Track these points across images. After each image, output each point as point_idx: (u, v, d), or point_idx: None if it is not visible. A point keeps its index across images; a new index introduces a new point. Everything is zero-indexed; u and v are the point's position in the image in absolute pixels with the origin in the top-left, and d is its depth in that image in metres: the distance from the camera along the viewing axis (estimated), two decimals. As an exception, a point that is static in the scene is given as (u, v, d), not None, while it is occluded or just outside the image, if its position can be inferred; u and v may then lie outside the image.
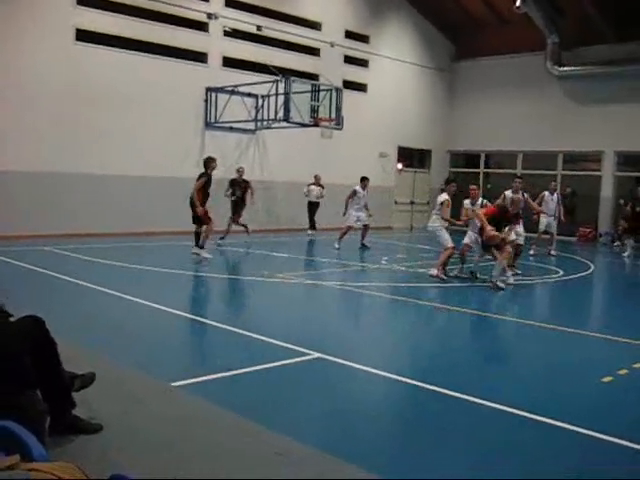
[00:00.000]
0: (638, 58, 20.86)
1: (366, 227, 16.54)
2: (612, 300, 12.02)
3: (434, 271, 11.66)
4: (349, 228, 16.28)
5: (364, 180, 16.57)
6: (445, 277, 11.73)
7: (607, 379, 5.94)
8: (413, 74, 24.92)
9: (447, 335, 8.13)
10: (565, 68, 22.66)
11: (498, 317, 8.72)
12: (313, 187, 19.30)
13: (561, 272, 13.66)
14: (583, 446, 4.49)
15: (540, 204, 16.78)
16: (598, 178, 22.77)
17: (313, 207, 19.47)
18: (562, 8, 22.38)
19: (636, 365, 6.43)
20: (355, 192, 16.39)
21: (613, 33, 21.66)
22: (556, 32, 22.31)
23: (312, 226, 19.28)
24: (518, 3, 20.91)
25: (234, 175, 16.70)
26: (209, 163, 13.08)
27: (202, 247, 12.87)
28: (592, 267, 15.13)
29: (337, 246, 15.85)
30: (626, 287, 13.61)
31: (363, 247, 16.26)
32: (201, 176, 12.94)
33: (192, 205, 12.80)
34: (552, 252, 17.13)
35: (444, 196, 12.14)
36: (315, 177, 19.44)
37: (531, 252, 16.55)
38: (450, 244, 11.91)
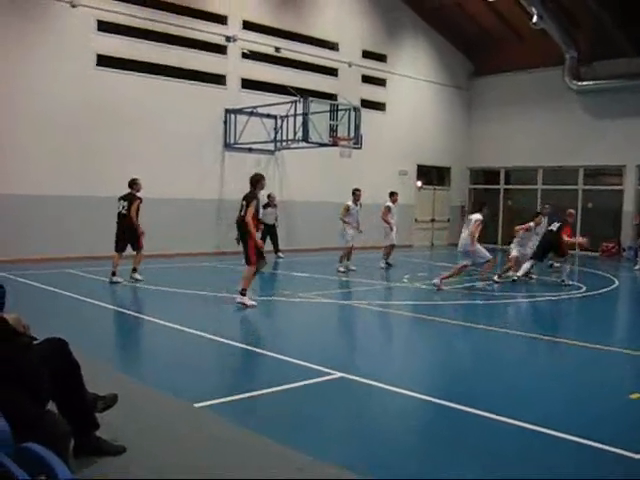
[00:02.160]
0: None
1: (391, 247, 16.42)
2: (637, 315, 11.85)
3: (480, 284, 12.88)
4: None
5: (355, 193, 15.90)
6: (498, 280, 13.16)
7: (635, 396, 5.83)
8: (431, 92, 24.96)
9: (469, 353, 8.04)
10: (584, 82, 22.59)
11: (522, 334, 8.61)
12: (269, 209, 18.02)
13: (584, 288, 13.51)
14: (610, 464, 4.40)
15: None
16: (620, 192, 22.57)
17: (271, 230, 18.23)
18: (579, 22, 22.37)
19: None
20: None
21: (631, 46, 21.57)
22: (573, 47, 22.27)
23: (277, 250, 18.50)
24: (535, 19, 20.90)
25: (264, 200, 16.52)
26: (260, 181, 10.49)
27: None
28: (616, 282, 14.95)
29: (383, 265, 16.22)
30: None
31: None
32: (250, 197, 10.29)
33: (243, 228, 10.21)
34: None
35: (477, 215, 12.75)
36: (269, 197, 18.25)
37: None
38: (489, 256, 12.77)
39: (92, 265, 14.40)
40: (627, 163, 22.28)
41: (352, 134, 17.80)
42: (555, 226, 13.91)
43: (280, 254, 18.48)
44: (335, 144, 17.98)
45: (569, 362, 7.54)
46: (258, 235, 10.48)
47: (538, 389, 6.24)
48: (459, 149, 26.09)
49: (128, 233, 12.52)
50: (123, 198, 12.70)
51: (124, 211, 12.56)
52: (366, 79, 22.81)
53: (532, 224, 14.36)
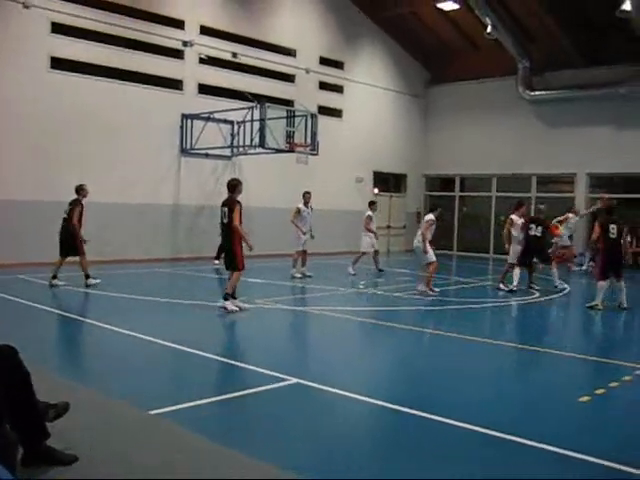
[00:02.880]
0: (605, 82, 21.31)
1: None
2: (587, 321, 12.09)
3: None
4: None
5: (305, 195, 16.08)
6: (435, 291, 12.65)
7: (585, 399, 5.96)
8: (388, 99, 25.18)
9: (424, 357, 8.11)
10: (536, 92, 23.04)
11: (476, 339, 8.73)
12: None
13: (537, 294, 13.75)
14: (560, 465, 4.50)
15: None
16: (571, 200, 23.04)
17: None
18: (531, 34, 22.83)
19: (613, 384, 6.47)
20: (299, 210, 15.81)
21: (580, 58, 22.12)
22: (526, 57, 22.71)
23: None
24: (489, 30, 21.27)
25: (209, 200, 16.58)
26: (237, 186, 10.42)
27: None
28: (567, 287, 15.25)
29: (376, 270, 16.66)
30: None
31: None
32: (232, 202, 10.29)
33: (231, 234, 10.31)
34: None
35: (429, 215, 13.02)
36: None
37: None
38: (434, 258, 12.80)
39: (44, 271, 14.15)
40: (578, 171, 22.78)
41: (309, 140, 17.85)
42: (539, 231, 14.04)
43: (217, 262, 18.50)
44: (292, 150, 18.01)
45: (520, 366, 7.67)
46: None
47: (490, 393, 6.33)
48: (415, 156, 26.35)
49: (70, 239, 12.51)
50: (69, 203, 12.71)
51: (66, 216, 12.61)
52: (323, 86, 22.89)
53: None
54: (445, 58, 25.58)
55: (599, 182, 23.13)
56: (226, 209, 10.26)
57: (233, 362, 6.98)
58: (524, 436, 4.87)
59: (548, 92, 22.90)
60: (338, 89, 23.45)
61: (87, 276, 12.55)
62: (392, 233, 25.46)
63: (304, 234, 15.54)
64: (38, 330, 8.66)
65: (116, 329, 8.55)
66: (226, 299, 10.11)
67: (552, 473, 4.39)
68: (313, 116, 18.12)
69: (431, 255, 12.74)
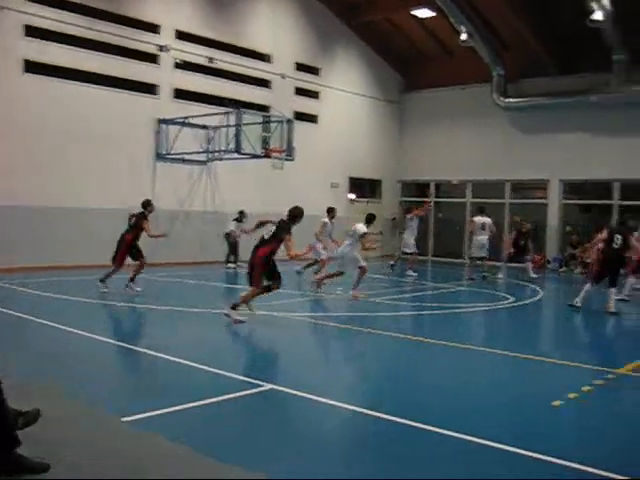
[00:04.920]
0: (577, 90, 21.60)
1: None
2: (561, 325, 12.22)
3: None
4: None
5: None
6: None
7: (557, 403, 6.01)
8: (363, 105, 25.27)
9: (395, 362, 8.13)
10: (510, 99, 23.25)
11: (448, 344, 8.77)
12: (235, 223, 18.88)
13: (512, 298, 13.87)
14: (533, 468, 4.53)
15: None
16: (544, 206, 23.29)
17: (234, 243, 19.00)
18: (506, 42, 23.07)
19: (585, 388, 6.53)
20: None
21: (554, 66, 22.40)
22: (501, 64, 22.92)
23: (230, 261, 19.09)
24: (463, 37, 21.45)
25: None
26: (298, 217, 10.32)
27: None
28: (541, 293, 15.40)
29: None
30: (575, 312, 13.85)
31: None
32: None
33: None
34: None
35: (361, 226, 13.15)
36: (241, 213, 19.07)
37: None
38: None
39: (16, 277, 14.00)
40: (551, 178, 23.04)
41: (284, 146, 17.84)
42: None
43: (231, 265, 18.71)
44: (267, 156, 17.99)
45: (495, 371, 7.72)
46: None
47: (463, 398, 6.36)
48: (391, 162, 26.46)
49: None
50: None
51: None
52: (299, 91, 22.93)
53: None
54: (420, 65, 25.76)
55: (572, 188, 23.41)
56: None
57: (207, 368, 6.94)
58: (497, 440, 4.90)
59: (522, 99, 23.13)
60: (314, 95, 23.50)
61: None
62: (368, 239, 25.49)
63: (324, 249, 15.76)
64: (10, 337, 8.56)
65: (86, 334, 8.47)
66: (233, 308, 9.90)
67: (524, 475, 4.42)
68: (289, 121, 18.13)
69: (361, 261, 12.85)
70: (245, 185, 20.33)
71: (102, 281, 12.57)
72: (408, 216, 18.92)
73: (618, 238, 11.95)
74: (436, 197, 26.41)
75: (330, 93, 23.86)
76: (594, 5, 18.61)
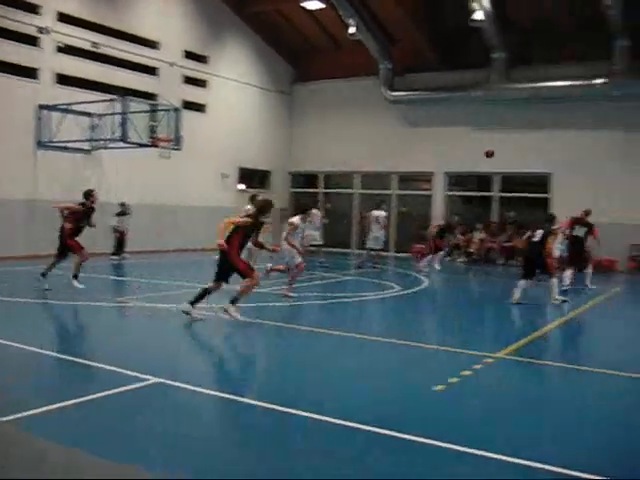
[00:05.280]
0: (462, 85, 22.40)
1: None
2: (444, 312, 12.67)
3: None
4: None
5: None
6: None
7: (439, 387, 6.24)
8: (254, 96, 25.19)
9: (282, 352, 8.20)
10: (397, 93, 23.79)
11: (332, 332, 8.93)
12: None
13: (397, 287, 14.25)
14: (417, 453, 4.69)
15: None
16: (429, 198, 24.04)
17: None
18: (393, 36, 23.56)
19: (465, 373, 6.82)
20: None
21: (440, 61, 23.12)
22: (388, 58, 23.41)
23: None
24: (352, 30, 21.73)
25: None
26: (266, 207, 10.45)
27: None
28: (426, 282, 15.90)
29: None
30: (457, 300, 14.41)
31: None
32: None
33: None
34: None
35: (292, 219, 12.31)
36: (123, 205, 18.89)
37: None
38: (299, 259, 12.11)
39: None
40: (435, 170, 23.81)
41: (172, 135, 17.56)
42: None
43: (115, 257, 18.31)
44: (155, 145, 17.67)
45: (378, 358, 7.90)
46: None
47: (345, 384, 6.51)
48: (280, 153, 26.53)
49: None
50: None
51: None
52: (188, 80, 22.58)
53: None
54: (310, 56, 25.94)
55: (456, 180, 24.29)
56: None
57: (89, 362, 6.77)
58: (383, 426, 5.03)
59: (408, 93, 23.71)
60: (202, 84, 23.20)
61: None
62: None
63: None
64: None
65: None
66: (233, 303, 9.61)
67: (409, 461, 4.57)
68: (177, 110, 17.86)
69: (297, 257, 12.44)
70: (132, 175, 19.83)
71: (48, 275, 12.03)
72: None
73: (539, 233, 12.15)
74: (325, 188, 26.73)
75: (219, 82, 23.63)
76: (475, 5, 19.33)
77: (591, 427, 5.49)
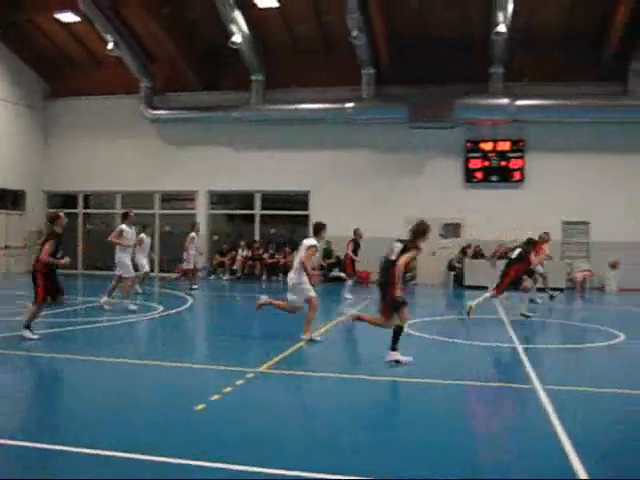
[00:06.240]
0: (222, 105, 22.86)
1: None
2: (206, 330, 12.74)
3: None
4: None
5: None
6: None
7: (201, 407, 6.27)
8: (2, 110, 23.53)
9: (38, 381, 7.80)
10: (158, 112, 23.65)
11: (81, 358, 8.61)
12: None
13: (161, 308, 14.08)
14: (185, 475, 4.70)
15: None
16: (193, 216, 24.08)
17: None
18: (153, 55, 23.36)
19: (226, 389, 6.92)
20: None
21: (199, 81, 23.35)
22: (149, 77, 23.19)
23: None
24: (110, 46, 21.22)
25: None
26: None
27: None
28: (190, 300, 15.88)
29: None
30: (220, 317, 14.56)
31: None
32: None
33: None
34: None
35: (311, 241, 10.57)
36: None
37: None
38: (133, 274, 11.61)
39: None
40: (199, 188, 23.95)
41: None
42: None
43: None
44: None
45: (137, 381, 7.77)
46: None
47: (110, 412, 6.32)
48: (35, 172, 25.07)
49: None
50: None
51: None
52: None
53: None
54: (67, 71, 24.85)
55: (219, 199, 24.61)
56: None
57: None
58: (147, 452, 4.98)
59: (169, 112, 23.67)
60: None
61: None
62: (11, 253, 23.85)
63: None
64: None
65: None
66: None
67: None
68: None
69: (130, 270, 11.80)
70: None
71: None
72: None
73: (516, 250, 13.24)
74: (85, 208, 25.72)
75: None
76: (233, 28, 19.83)
77: (352, 431, 5.83)
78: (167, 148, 24.10)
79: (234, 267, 22.75)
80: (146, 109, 23.53)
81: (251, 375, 7.71)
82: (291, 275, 10.40)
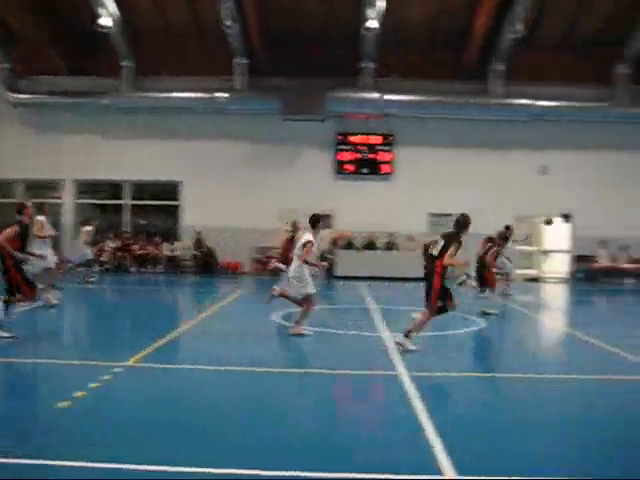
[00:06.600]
0: (91, 92, 22.09)
1: None
2: (74, 325, 12.35)
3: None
4: None
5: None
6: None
7: (65, 404, 6.07)
8: None
9: None
10: (21, 95, 22.52)
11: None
12: None
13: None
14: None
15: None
16: (60, 205, 23.18)
17: None
18: (16, 36, 22.13)
19: (92, 385, 6.76)
20: None
21: (65, 65, 22.41)
22: (9, 59, 22.02)
23: None
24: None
25: None
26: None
27: None
28: (61, 295, 15.27)
29: None
30: (87, 311, 14.13)
31: None
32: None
33: None
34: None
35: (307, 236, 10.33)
36: None
37: None
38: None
39: None
40: (66, 177, 23.08)
41: None
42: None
43: None
44: None
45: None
46: None
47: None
48: None
49: None
50: None
51: None
52: None
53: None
54: None
55: (86, 188, 23.82)
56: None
57: None
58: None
59: (33, 96, 22.63)
60: None
61: None
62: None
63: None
64: None
65: None
66: None
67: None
68: None
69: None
70: None
71: None
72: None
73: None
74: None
75: None
76: (102, 11, 19.21)
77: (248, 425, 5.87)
78: (31, 134, 22.97)
79: (102, 258, 22.07)
80: (7, 93, 22.33)
81: (118, 370, 7.57)
82: (291, 268, 10.39)
